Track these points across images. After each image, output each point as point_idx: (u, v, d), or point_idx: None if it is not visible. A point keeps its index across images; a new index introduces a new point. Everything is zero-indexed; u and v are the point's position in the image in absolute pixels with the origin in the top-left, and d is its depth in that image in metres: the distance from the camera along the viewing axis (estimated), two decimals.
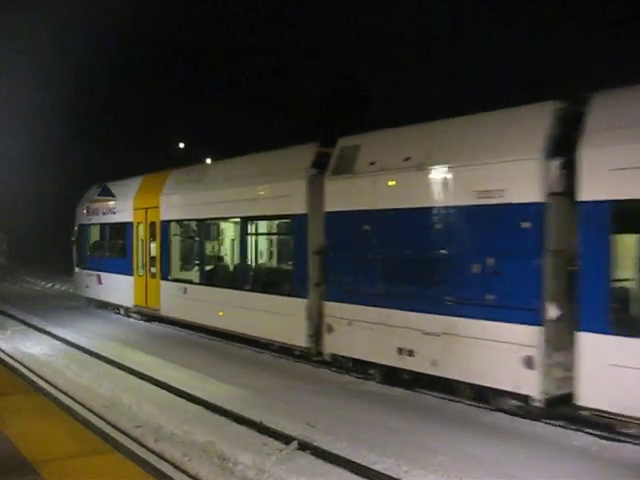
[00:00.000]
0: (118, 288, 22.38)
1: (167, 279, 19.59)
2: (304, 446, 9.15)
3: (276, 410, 10.78)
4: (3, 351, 16.00)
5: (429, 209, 11.54)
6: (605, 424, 9.37)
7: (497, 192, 10.41)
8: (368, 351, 12.72)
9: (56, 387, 12.66)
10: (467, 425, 10.26)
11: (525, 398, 10.02)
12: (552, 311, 9.75)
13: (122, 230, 22.46)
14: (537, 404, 9.83)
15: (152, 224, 20.47)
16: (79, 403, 11.47)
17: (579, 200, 9.36)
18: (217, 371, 13.92)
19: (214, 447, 9.17)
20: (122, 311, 22.53)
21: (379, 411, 11.03)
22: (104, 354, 15.44)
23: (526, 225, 10.05)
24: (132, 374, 13.78)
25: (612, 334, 8.87)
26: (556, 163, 9.88)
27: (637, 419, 8.73)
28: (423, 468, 8.24)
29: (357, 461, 8.48)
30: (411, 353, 11.72)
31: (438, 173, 11.41)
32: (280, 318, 14.74)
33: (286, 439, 9.41)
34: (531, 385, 9.82)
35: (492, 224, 10.62)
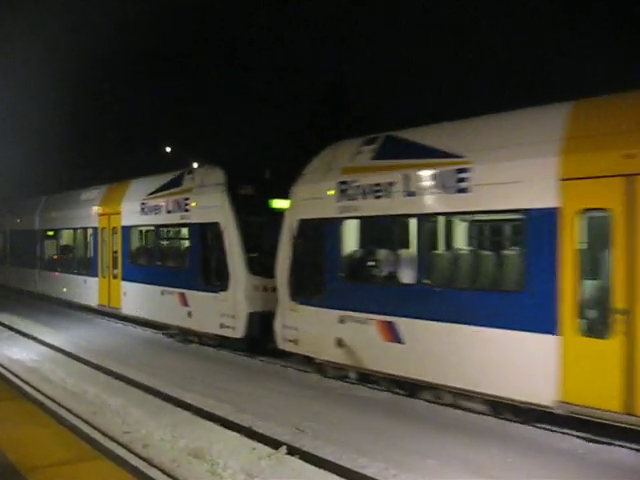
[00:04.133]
0: None
1: None
2: (293, 451, 9.15)
3: None
4: None
5: (23, 231, 30.50)
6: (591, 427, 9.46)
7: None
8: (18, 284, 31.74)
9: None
10: (456, 429, 10.29)
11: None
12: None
13: None
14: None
15: None
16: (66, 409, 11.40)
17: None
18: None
19: (203, 452, 9.15)
20: None
21: (368, 415, 11.06)
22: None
23: None
24: (118, 379, 13.77)
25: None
26: None
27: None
28: (412, 472, 8.26)
29: (346, 465, 8.48)
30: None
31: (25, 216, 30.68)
32: (28, 272, 29.87)
33: (275, 444, 9.41)
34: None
35: (29, 236, 29.55)
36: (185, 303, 17.45)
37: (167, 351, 17.47)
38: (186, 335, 18.03)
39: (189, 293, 17.27)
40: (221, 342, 16.60)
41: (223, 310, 16.00)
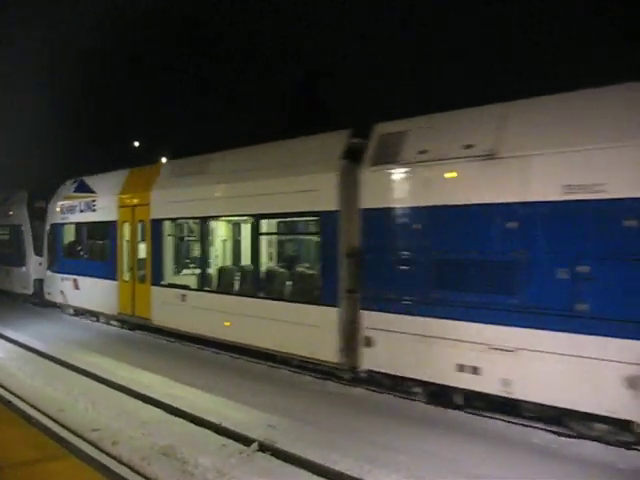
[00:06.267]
0: None
1: None
2: (264, 447, 9.10)
3: None
4: None
5: None
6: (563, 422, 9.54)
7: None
8: None
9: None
10: (427, 424, 10.31)
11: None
12: None
13: None
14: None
15: None
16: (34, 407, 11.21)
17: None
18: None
19: (173, 450, 9.05)
20: None
21: (340, 411, 11.05)
22: None
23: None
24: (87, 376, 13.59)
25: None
26: None
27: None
28: (385, 467, 8.25)
29: (318, 461, 8.45)
30: None
31: None
32: None
33: (246, 441, 9.34)
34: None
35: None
36: (9, 274, 27.33)
37: (134, 346, 17.34)
38: (10, 295, 27.46)
39: (11, 268, 27.12)
40: (29, 300, 26.02)
41: (23, 278, 26.10)
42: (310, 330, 12.83)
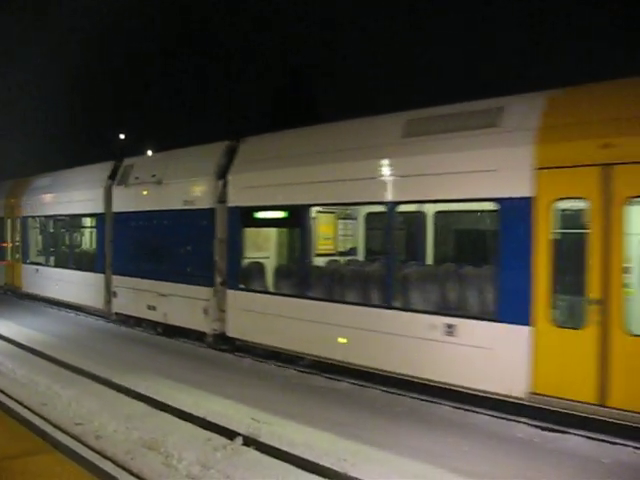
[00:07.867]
0: None
1: None
2: (249, 441, 9.07)
3: None
4: None
5: None
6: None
7: None
8: None
9: None
10: (412, 418, 10.33)
11: None
12: None
13: None
14: None
15: None
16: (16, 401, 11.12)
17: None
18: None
19: (157, 444, 9.01)
20: None
21: (325, 405, 11.05)
22: None
23: None
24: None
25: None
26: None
27: None
28: (369, 462, 8.23)
29: (303, 456, 8.42)
30: None
31: None
32: None
33: (231, 434, 9.31)
34: None
35: None
36: None
37: (118, 340, 17.42)
38: None
39: None
40: None
41: None
42: (92, 289, 20.61)
